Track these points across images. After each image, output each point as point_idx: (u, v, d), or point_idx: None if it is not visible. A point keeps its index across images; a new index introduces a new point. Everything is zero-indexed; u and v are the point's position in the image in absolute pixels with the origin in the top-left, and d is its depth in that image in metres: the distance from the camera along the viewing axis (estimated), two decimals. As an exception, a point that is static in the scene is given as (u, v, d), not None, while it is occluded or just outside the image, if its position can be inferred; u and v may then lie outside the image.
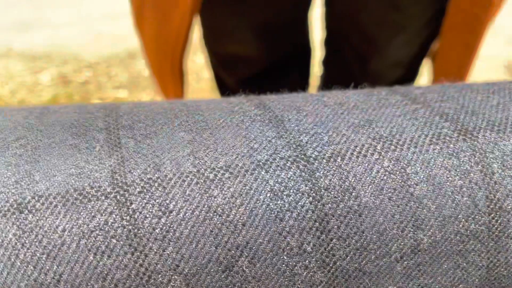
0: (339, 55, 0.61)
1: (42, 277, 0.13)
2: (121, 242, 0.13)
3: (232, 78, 0.63)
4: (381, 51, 0.55)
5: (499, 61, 1.67)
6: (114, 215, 0.14)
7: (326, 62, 0.65)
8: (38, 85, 1.65)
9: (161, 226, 0.14)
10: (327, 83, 0.65)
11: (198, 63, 1.79)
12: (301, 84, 0.65)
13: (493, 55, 1.63)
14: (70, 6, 2.52)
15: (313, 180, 0.15)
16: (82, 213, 0.14)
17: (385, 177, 0.15)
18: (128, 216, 0.14)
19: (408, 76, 0.59)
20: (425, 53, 0.56)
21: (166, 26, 0.48)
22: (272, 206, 0.14)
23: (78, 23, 2.25)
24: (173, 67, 0.52)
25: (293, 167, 0.15)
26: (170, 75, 0.53)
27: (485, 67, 1.54)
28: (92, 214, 0.14)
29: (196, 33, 0.56)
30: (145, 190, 0.14)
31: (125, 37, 2.06)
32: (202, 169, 0.15)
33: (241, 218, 0.14)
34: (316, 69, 0.69)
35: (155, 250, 0.14)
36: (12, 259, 0.13)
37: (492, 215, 0.15)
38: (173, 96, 0.56)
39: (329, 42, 0.62)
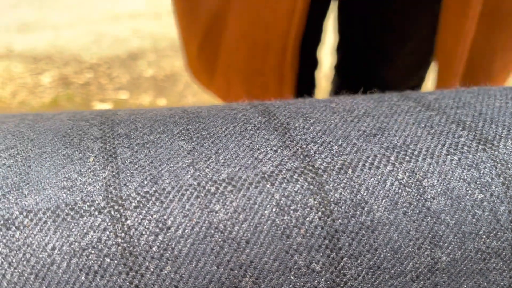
0: (349, 62, 0.60)
1: None
2: (115, 261, 0.13)
3: None
4: (389, 59, 0.54)
5: None
6: (108, 232, 0.13)
7: (338, 68, 0.64)
8: (39, 87, 1.65)
9: (158, 243, 0.13)
10: (338, 89, 0.64)
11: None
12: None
13: None
14: (71, 8, 2.52)
15: (322, 194, 0.14)
16: (73, 230, 0.13)
17: (399, 190, 0.14)
18: (123, 233, 0.13)
19: (416, 83, 0.58)
20: (431, 59, 0.55)
21: (270, 14, 0.41)
22: (278, 222, 0.13)
23: (79, 25, 2.26)
24: (281, 62, 0.45)
25: (300, 180, 0.14)
26: (275, 72, 0.47)
27: None
28: (84, 230, 0.13)
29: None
30: (141, 205, 0.13)
31: (126, 39, 2.06)
32: (203, 182, 0.14)
33: (245, 235, 0.13)
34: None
35: (152, 269, 0.13)
36: None
37: None
38: (274, 96, 0.49)
39: (341, 47, 0.62)
